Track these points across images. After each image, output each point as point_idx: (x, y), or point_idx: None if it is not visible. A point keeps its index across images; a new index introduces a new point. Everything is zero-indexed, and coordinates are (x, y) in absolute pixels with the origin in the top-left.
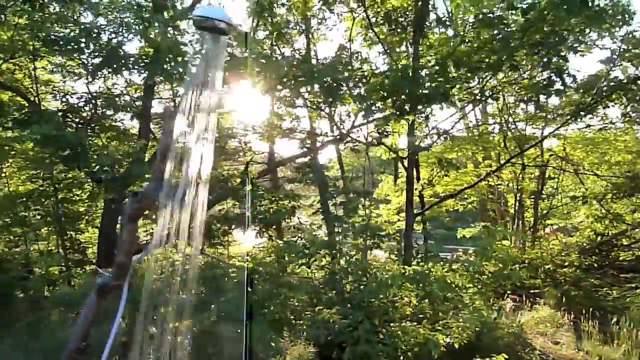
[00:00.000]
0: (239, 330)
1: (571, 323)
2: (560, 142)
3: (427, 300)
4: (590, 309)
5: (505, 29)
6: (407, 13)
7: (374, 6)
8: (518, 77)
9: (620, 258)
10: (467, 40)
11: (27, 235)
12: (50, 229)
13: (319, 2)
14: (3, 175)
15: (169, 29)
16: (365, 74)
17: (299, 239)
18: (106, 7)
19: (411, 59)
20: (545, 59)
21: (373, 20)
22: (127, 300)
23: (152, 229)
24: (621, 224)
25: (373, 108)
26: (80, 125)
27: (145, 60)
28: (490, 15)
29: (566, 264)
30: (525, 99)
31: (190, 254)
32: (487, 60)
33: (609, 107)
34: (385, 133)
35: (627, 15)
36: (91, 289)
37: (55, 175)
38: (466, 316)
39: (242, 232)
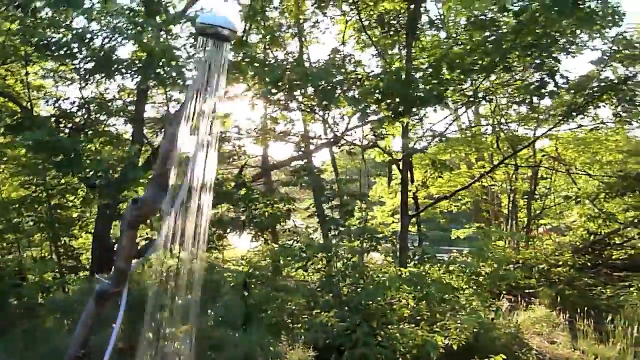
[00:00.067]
0: (237, 335)
1: (566, 322)
2: (552, 142)
3: (424, 302)
4: (585, 308)
5: (497, 31)
6: (400, 16)
7: (367, 9)
8: (510, 78)
9: (614, 257)
10: (459, 43)
11: (20, 241)
12: (43, 235)
13: (312, 5)
14: None
15: (162, 33)
16: (360, 76)
17: (295, 242)
18: (99, 12)
19: (404, 62)
20: (537, 61)
21: (366, 23)
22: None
23: (148, 235)
24: (614, 223)
25: (368, 111)
26: (73, 131)
27: (138, 65)
28: (483, 17)
29: (560, 263)
30: (519, 100)
31: (194, 259)
32: (480, 62)
33: (600, 107)
34: (381, 136)
35: (616, 17)
36: (86, 295)
37: (48, 181)
38: (464, 317)
39: (236, 236)
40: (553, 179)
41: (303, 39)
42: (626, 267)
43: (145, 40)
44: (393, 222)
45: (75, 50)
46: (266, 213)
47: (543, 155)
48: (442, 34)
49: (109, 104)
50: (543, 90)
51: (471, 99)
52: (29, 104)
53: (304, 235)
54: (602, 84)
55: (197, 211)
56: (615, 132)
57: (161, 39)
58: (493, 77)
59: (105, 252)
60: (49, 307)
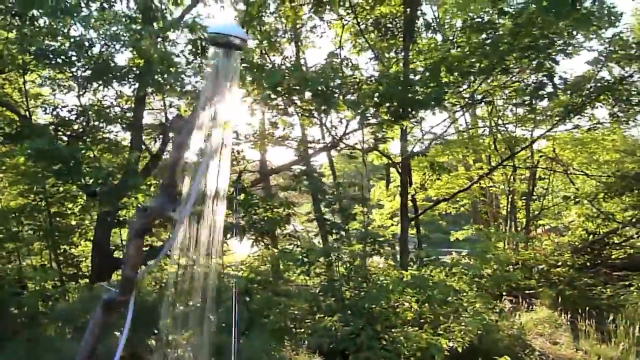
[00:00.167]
0: (240, 341)
1: (568, 323)
2: (550, 143)
3: (427, 304)
4: (587, 308)
5: (495, 33)
6: (396, 19)
7: (363, 13)
8: (508, 80)
9: (613, 256)
10: (457, 45)
11: (20, 250)
12: (43, 243)
13: (309, 10)
14: None
15: (159, 39)
16: (358, 80)
17: (295, 246)
18: (97, 19)
19: (401, 65)
20: (535, 62)
21: (362, 27)
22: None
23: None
24: (612, 222)
25: (367, 114)
26: (71, 139)
27: (136, 72)
28: (480, 20)
29: (559, 263)
30: (517, 102)
31: (208, 266)
32: (478, 64)
33: (596, 107)
34: (383, 139)
35: (613, 17)
36: (87, 303)
37: (48, 190)
38: (468, 319)
39: (236, 241)
40: (551, 179)
41: (299, 43)
42: (625, 267)
43: (143, 47)
44: (392, 224)
45: (74, 58)
46: (266, 218)
47: (541, 156)
48: (439, 37)
49: (107, 110)
50: (541, 92)
51: (469, 101)
52: (27, 112)
53: (306, 240)
54: (599, 84)
55: (209, 219)
56: (612, 131)
57: (158, 46)
58: (491, 79)
59: (105, 260)
60: (51, 315)
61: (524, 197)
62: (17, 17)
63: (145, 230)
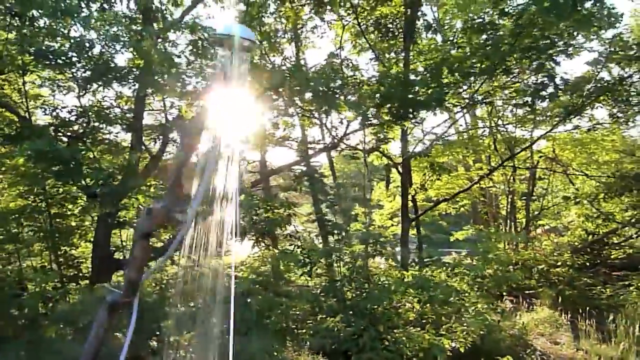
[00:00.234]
0: (237, 342)
1: (568, 322)
2: (550, 143)
3: (429, 305)
4: (587, 308)
5: (495, 34)
6: (397, 20)
7: (364, 13)
8: (508, 81)
9: (612, 256)
10: (458, 46)
11: (20, 251)
12: (43, 244)
13: (310, 11)
14: None
15: (159, 40)
16: (358, 81)
17: (296, 247)
18: (97, 20)
19: (402, 65)
20: (536, 63)
21: (363, 27)
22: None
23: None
24: (612, 222)
25: (368, 115)
26: (71, 140)
27: (136, 73)
28: (481, 20)
29: (559, 263)
30: (519, 102)
31: (216, 268)
32: (479, 65)
33: (596, 108)
34: (385, 139)
35: (613, 18)
36: (88, 305)
37: (48, 191)
38: (470, 320)
39: (236, 242)
40: (550, 179)
41: (300, 43)
42: (625, 267)
43: (144, 48)
44: (392, 225)
45: (74, 58)
46: (266, 218)
47: (540, 157)
48: (439, 37)
49: (107, 111)
50: (543, 93)
51: (470, 102)
52: (27, 113)
53: (308, 240)
54: (599, 85)
55: (217, 220)
56: (612, 132)
57: (159, 46)
58: (492, 79)
59: (106, 261)
60: (51, 317)
61: (524, 198)
62: (16, 18)
63: (151, 232)
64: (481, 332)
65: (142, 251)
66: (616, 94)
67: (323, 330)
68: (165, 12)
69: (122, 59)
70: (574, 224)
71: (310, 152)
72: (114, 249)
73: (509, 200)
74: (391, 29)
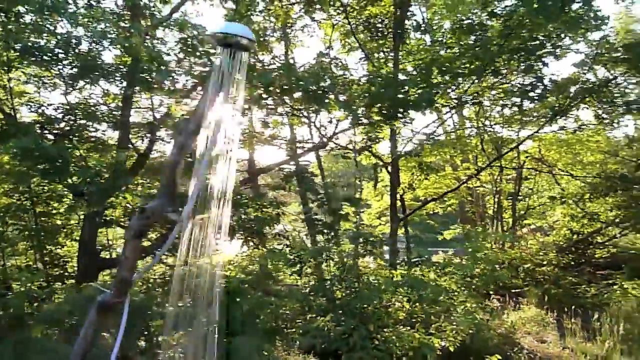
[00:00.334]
0: (229, 343)
1: (554, 321)
2: (536, 143)
3: (418, 304)
4: (572, 307)
5: (484, 35)
6: (386, 20)
7: (354, 13)
8: (497, 82)
9: (597, 256)
10: (447, 47)
11: (5, 250)
12: (28, 243)
13: (300, 10)
14: None
15: (147, 37)
16: (348, 80)
17: (285, 246)
18: (84, 16)
19: (391, 65)
20: (524, 64)
21: (353, 27)
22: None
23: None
24: (596, 222)
25: (358, 114)
26: (58, 137)
27: (123, 70)
28: (470, 21)
29: (545, 262)
30: (508, 103)
31: (212, 267)
32: (469, 66)
33: (582, 109)
34: (376, 139)
35: (599, 20)
36: (75, 304)
37: (33, 189)
38: (460, 319)
39: (224, 241)
40: (536, 179)
41: (289, 42)
42: (609, 266)
43: (133, 45)
44: (380, 224)
45: (61, 55)
46: (255, 217)
47: (527, 157)
48: (427, 38)
49: (94, 109)
50: (532, 94)
51: (459, 102)
52: (12, 110)
53: (296, 239)
54: (585, 86)
55: (213, 220)
56: (597, 133)
57: (148, 43)
58: (480, 80)
59: (92, 260)
60: (37, 317)
61: (510, 197)
62: (2, 14)
63: (144, 232)
64: (470, 331)
65: (134, 251)
66: (601, 96)
67: (313, 329)
68: (153, 9)
69: (109, 56)
70: (559, 224)
71: (299, 151)
72: (100, 248)
73: (496, 199)
74: (380, 29)
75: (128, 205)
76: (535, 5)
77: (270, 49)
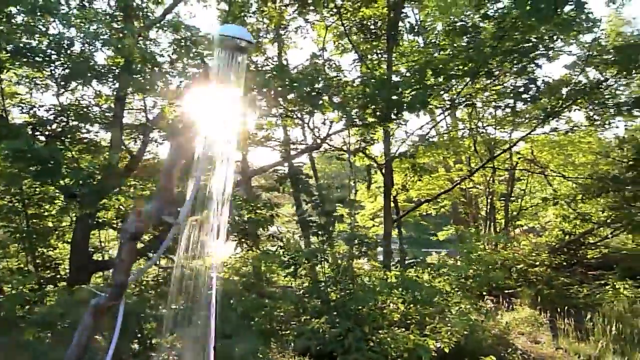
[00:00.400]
0: (222, 345)
1: (548, 321)
2: (528, 145)
3: (413, 305)
4: (565, 307)
5: (477, 37)
6: (380, 22)
7: (347, 14)
8: (490, 84)
9: (588, 256)
10: (440, 49)
11: None
12: (19, 246)
13: (293, 11)
14: None
15: (140, 38)
16: (342, 82)
17: (279, 248)
18: (77, 17)
19: (385, 67)
20: (517, 66)
21: (347, 28)
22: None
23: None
24: (588, 223)
25: (353, 116)
26: (50, 139)
27: (116, 71)
28: (464, 23)
29: (537, 263)
30: (501, 105)
31: (212, 268)
32: (462, 67)
33: (574, 110)
34: (371, 141)
35: (591, 23)
36: (67, 307)
37: (25, 191)
38: (454, 320)
39: (221, 243)
40: (529, 181)
41: (282, 44)
42: (601, 266)
43: (127, 46)
44: (373, 225)
45: (54, 56)
46: (249, 219)
47: (519, 158)
48: (420, 40)
49: (86, 110)
50: (525, 95)
51: (453, 104)
52: (3, 112)
53: (290, 241)
54: (576, 88)
55: (210, 222)
56: (588, 134)
57: (141, 44)
58: (474, 82)
59: (84, 262)
60: (30, 320)
61: (503, 198)
62: None
63: (140, 234)
64: (465, 332)
65: (130, 254)
66: (593, 97)
67: (308, 331)
68: (146, 10)
69: (101, 57)
70: (552, 225)
71: (293, 152)
72: (92, 250)
73: (489, 201)
74: (374, 31)
75: (121, 207)
76: (528, 8)
77: (263, 50)
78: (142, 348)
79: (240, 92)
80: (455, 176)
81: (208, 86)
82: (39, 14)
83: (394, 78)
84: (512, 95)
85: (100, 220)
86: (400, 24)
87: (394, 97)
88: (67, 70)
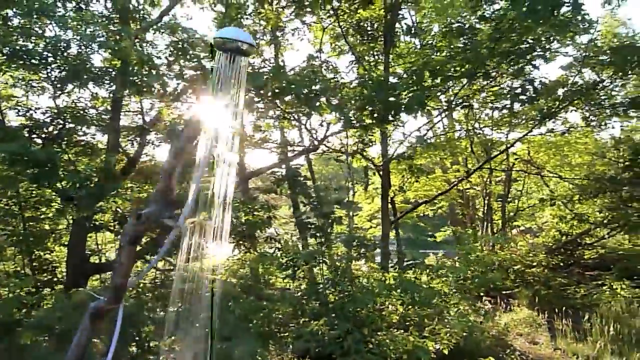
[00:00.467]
0: (222, 347)
1: (545, 322)
2: (525, 146)
3: (412, 307)
4: (563, 308)
5: (474, 38)
6: (376, 23)
7: (344, 16)
8: (487, 85)
9: (585, 256)
10: (437, 50)
11: None
12: (16, 249)
13: (290, 13)
14: None
15: (137, 40)
16: (339, 83)
17: (277, 250)
18: (73, 19)
19: (382, 68)
20: (514, 67)
21: (344, 30)
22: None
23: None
24: (585, 223)
25: (350, 118)
26: (46, 141)
27: (113, 73)
28: (461, 25)
29: (534, 264)
30: (499, 106)
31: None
32: (459, 69)
33: (570, 111)
34: (369, 142)
35: (587, 24)
36: (65, 310)
37: (21, 193)
38: (453, 321)
39: (222, 245)
40: (526, 181)
41: (279, 45)
42: (597, 266)
43: (124, 47)
44: (371, 227)
45: (50, 58)
46: (246, 221)
47: (516, 159)
48: (417, 41)
49: (82, 112)
50: (522, 97)
51: (450, 105)
52: (0, 114)
53: (288, 243)
54: (573, 89)
55: (211, 224)
56: (585, 135)
57: (137, 47)
58: (471, 83)
59: (81, 265)
60: (27, 323)
61: (500, 199)
62: None
63: (139, 238)
64: (463, 334)
65: (129, 257)
66: (589, 98)
67: (307, 333)
68: (142, 12)
69: (98, 59)
70: (549, 225)
71: (290, 154)
72: (89, 252)
73: (486, 201)
74: (371, 32)
75: (118, 209)
76: (525, 9)
77: (260, 52)
78: (140, 351)
79: (241, 94)
80: (452, 177)
81: (207, 89)
82: (35, 16)
83: (391, 79)
84: (509, 96)
85: (97, 223)
86: (397, 25)
87: (391, 99)
88: (63, 73)
